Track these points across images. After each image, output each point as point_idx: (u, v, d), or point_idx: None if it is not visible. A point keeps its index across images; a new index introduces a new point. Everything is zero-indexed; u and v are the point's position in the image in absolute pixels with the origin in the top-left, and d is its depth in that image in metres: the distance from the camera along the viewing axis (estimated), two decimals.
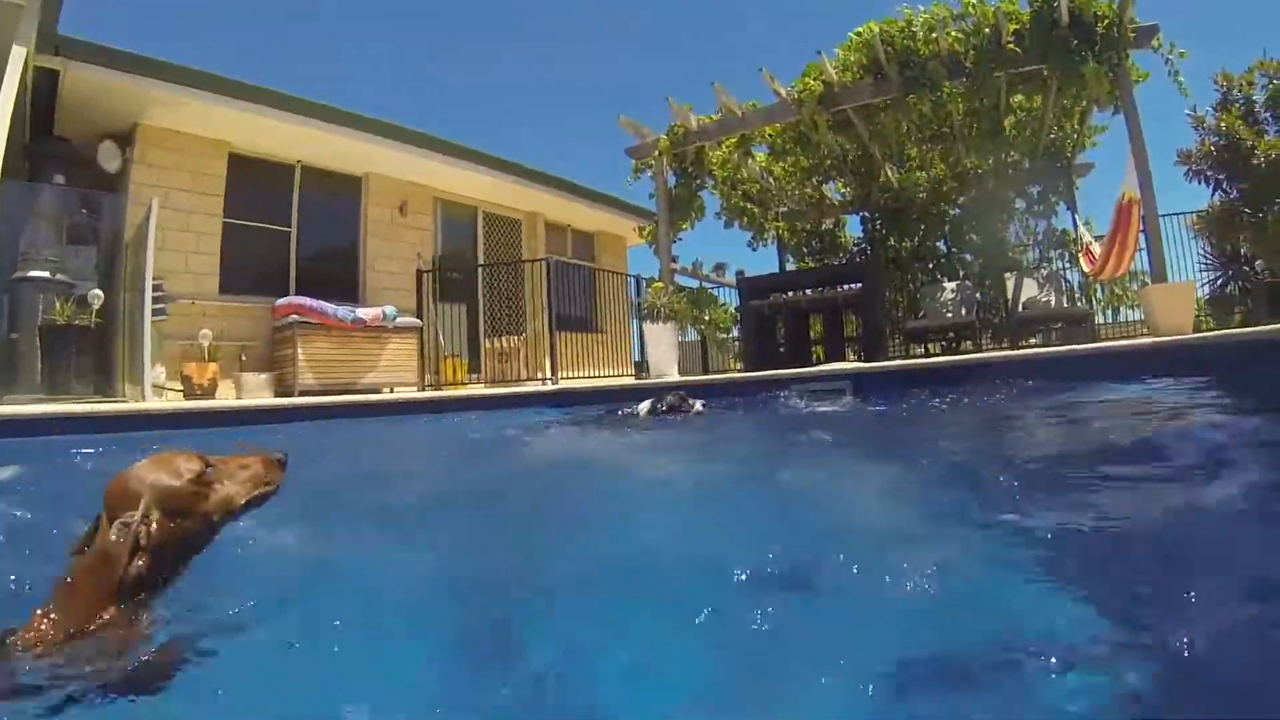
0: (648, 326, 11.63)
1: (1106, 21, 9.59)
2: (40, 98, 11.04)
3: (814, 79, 11.15)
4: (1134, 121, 9.65)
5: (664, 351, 11.43)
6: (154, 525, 1.92)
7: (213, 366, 11.57)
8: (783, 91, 11.40)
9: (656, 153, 12.69)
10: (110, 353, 11.02)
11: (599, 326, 17.12)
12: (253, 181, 13.62)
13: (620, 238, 21.43)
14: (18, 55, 8.62)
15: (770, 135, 13.20)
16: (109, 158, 12.14)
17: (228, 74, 12.23)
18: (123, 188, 12.02)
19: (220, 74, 12.15)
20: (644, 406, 6.82)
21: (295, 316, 12.03)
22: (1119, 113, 10.14)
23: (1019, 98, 12.36)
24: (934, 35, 10.31)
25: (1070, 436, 4.68)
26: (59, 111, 11.68)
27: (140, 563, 1.86)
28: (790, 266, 16.52)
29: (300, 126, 13.13)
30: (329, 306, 12.30)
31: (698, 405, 6.75)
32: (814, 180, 15.20)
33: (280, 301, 12.47)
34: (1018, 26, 10.00)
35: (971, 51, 10.23)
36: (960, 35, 10.35)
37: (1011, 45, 9.97)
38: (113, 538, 1.84)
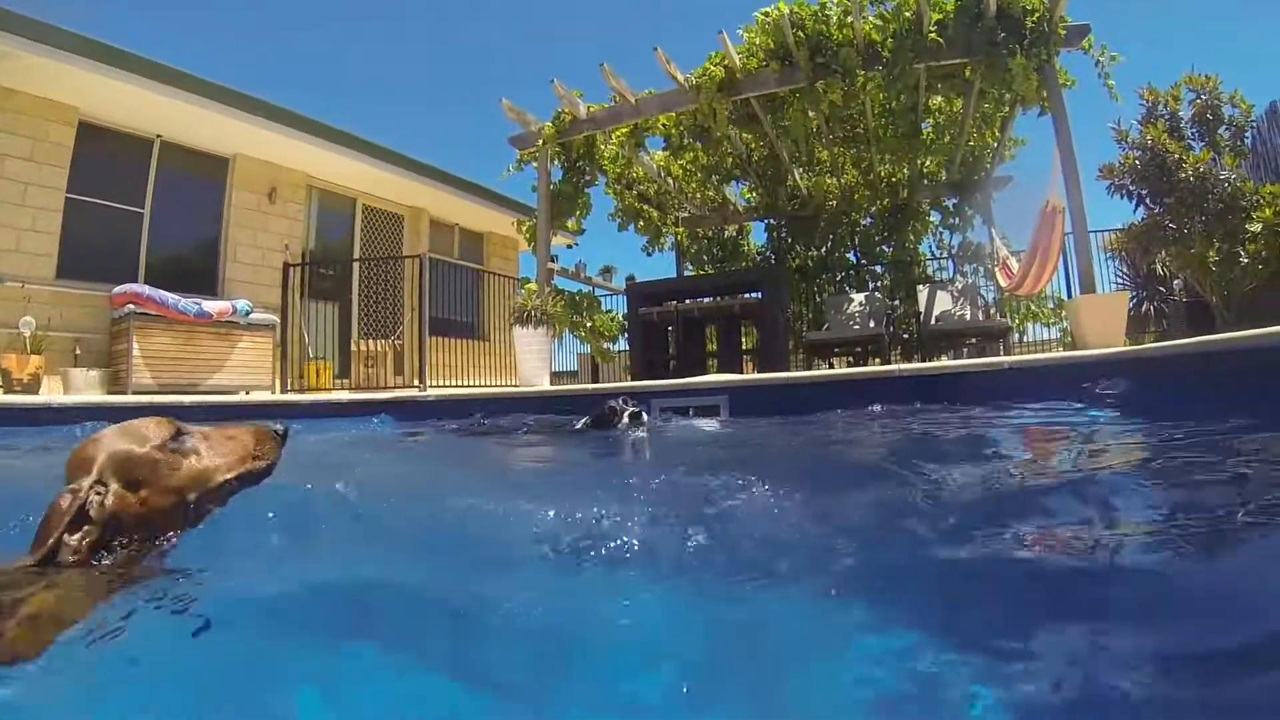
0: (518, 331, 10.15)
1: (1036, 16, 8.60)
2: None
3: (715, 64, 9.98)
4: (1062, 123, 8.62)
5: (534, 359, 10.04)
6: (109, 497, 1.68)
7: (35, 359, 10.20)
8: (680, 77, 10.21)
9: (540, 142, 11.32)
10: None
11: (483, 333, 15.68)
12: (104, 155, 12.13)
13: (512, 240, 19.67)
14: None
15: (665, 126, 11.90)
16: None
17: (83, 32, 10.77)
18: None
19: (69, 29, 10.62)
20: (581, 421, 5.36)
21: (132, 306, 10.75)
22: (1045, 113, 9.16)
23: (938, 100, 11.42)
24: (849, 20, 9.18)
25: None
26: None
27: (81, 538, 1.62)
28: (689, 274, 15.28)
29: (161, 96, 11.62)
30: (170, 297, 10.94)
31: (625, 416, 5.02)
32: (715, 181, 13.96)
33: (117, 290, 11.07)
34: (941, 16, 8.95)
35: (889, 40, 9.16)
36: (878, 22, 9.28)
37: (934, 35, 8.88)
38: (63, 505, 1.63)
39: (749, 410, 6.21)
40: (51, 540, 1.57)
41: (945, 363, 9.59)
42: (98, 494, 1.66)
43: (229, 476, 1.86)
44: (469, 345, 14.38)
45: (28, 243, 11.13)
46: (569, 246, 12.26)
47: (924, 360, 11.47)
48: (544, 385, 9.83)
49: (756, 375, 7.88)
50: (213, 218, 13.61)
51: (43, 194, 11.30)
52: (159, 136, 12.75)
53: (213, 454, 1.86)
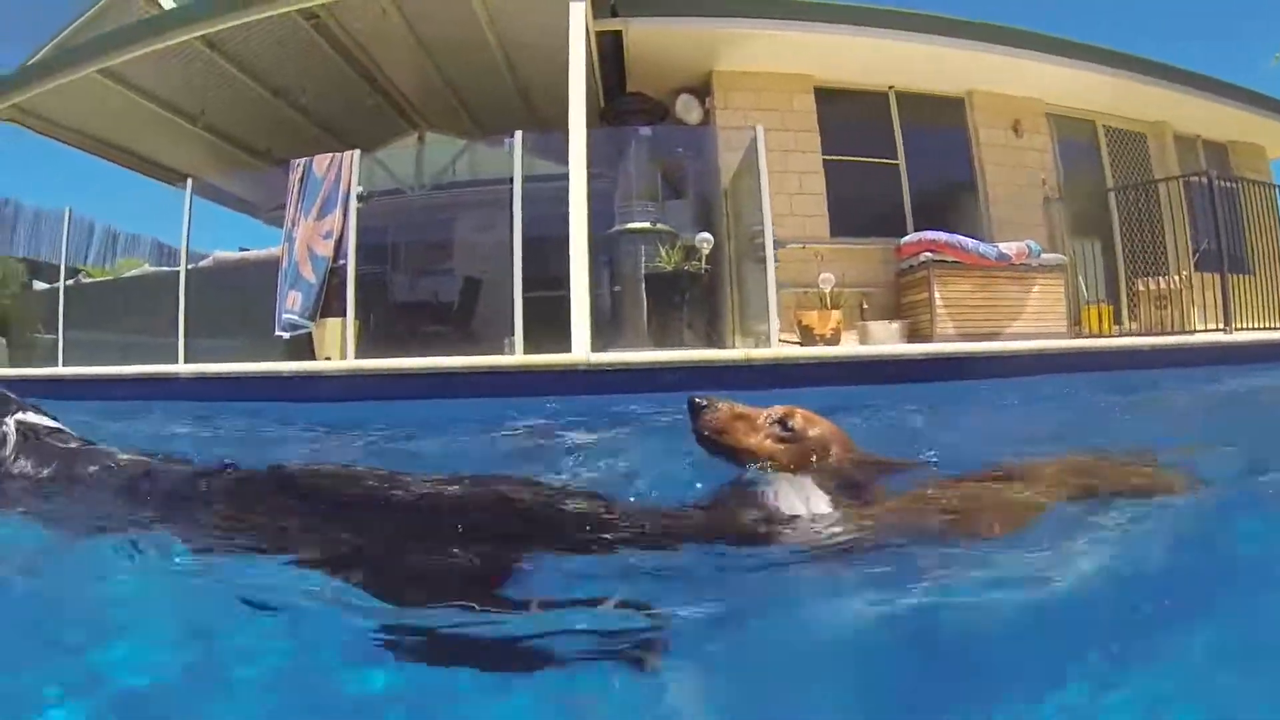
0: None
1: None
2: (608, 65, 10.84)
3: None
4: None
5: None
6: None
7: (836, 315, 9.99)
8: None
9: None
10: (719, 303, 10.25)
11: (1246, 265, 12.69)
12: (845, 114, 11.98)
13: (1258, 147, 16.21)
14: (577, 12, 8.19)
15: None
16: (687, 110, 11.37)
17: None
18: (709, 137, 11.10)
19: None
20: None
21: (928, 254, 10.21)
22: None
23: None
24: None
25: None
26: (629, 76, 11.35)
27: None
28: None
29: (887, 41, 11.07)
30: (969, 242, 10.25)
31: None
32: None
33: (906, 239, 10.69)
34: None
35: None
36: None
37: None
38: None
39: None
40: None
41: None
42: None
43: None
44: (1233, 280, 11.71)
45: (798, 206, 11.24)
46: None
47: None
48: None
49: None
50: (961, 160, 12.67)
51: (801, 159, 11.40)
52: (891, 88, 12.25)
53: None
